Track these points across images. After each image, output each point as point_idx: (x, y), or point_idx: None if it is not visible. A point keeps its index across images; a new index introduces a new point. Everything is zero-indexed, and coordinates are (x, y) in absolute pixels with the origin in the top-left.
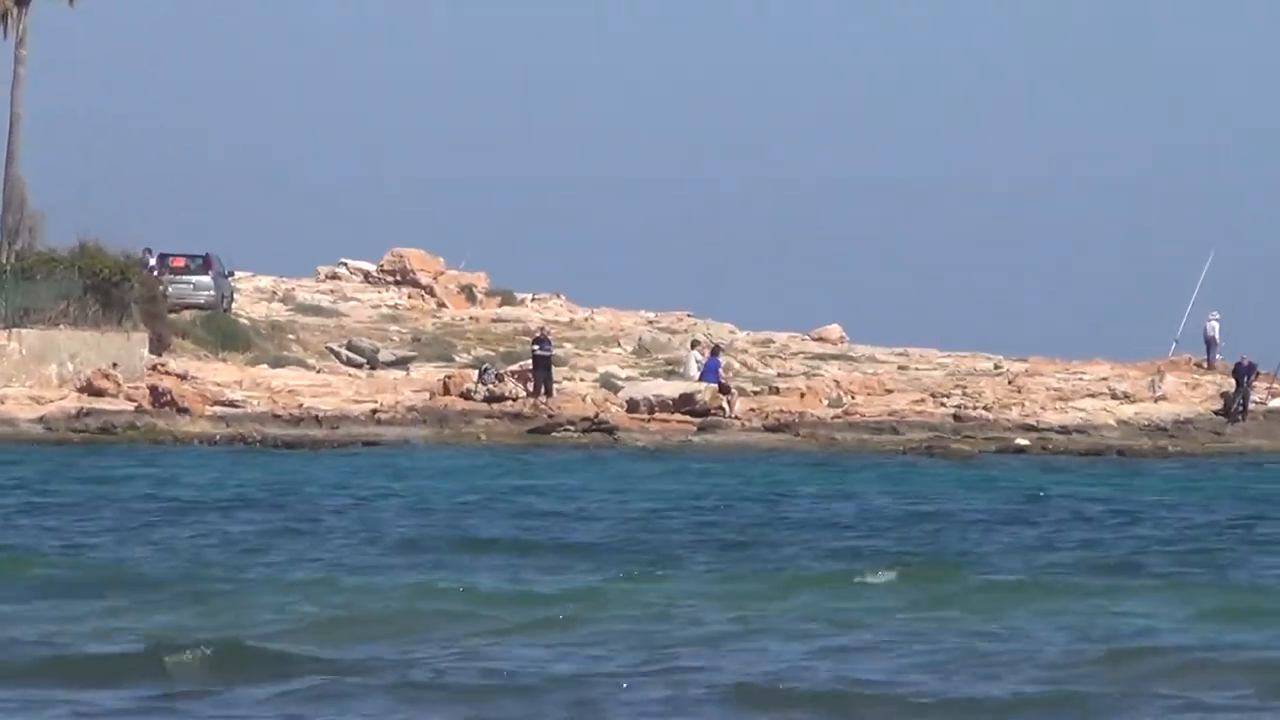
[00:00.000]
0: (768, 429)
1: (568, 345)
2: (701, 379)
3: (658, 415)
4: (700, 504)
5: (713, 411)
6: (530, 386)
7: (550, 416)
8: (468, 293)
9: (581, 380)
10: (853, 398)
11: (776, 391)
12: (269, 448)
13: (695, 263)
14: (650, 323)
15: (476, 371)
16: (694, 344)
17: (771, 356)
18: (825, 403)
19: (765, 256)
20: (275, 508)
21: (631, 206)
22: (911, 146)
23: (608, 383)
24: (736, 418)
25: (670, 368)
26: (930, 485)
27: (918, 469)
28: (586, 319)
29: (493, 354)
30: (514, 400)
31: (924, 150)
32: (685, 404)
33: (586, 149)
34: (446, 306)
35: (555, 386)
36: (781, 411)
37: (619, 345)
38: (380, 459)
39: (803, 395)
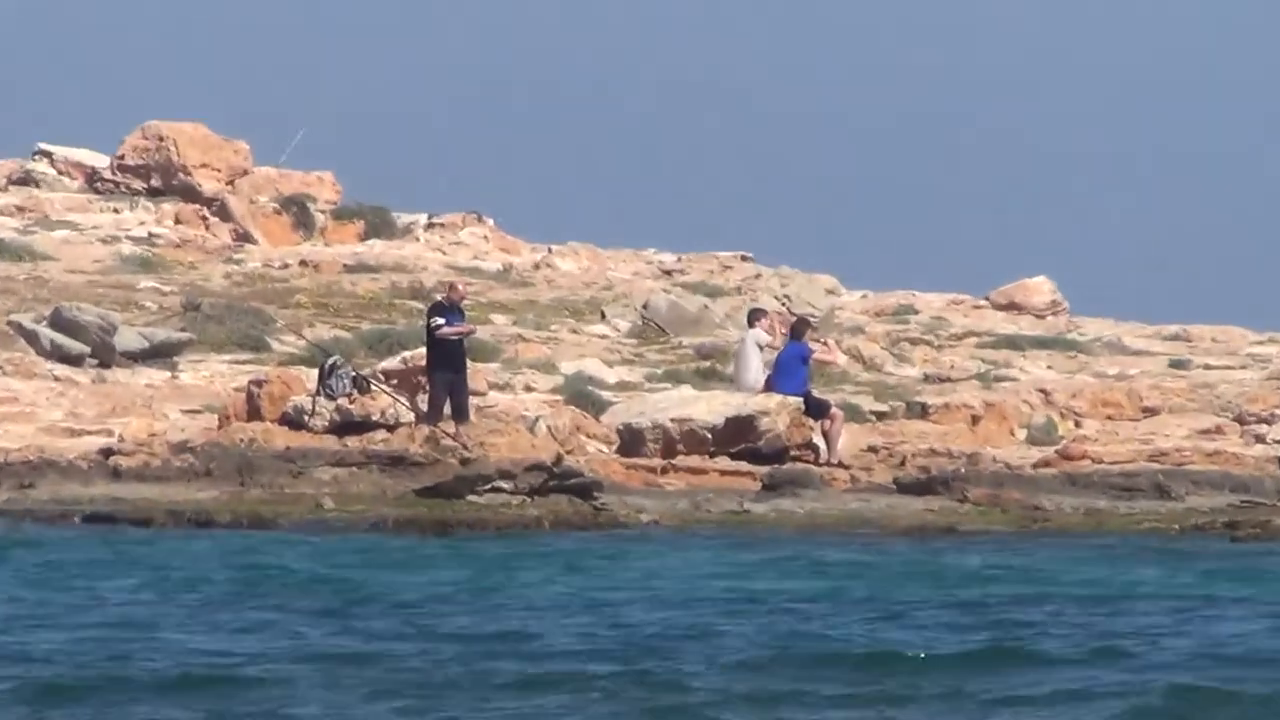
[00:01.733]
0: (903, 488)
1: (498, 319)
2: (771, 386)
3: (683, 460)
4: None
5: (792, 451)
6: (423, 402)
7: (464, 462)
8: (296, 215)
9: (529, 389)
10: (1076, 424)
11: (923, 412)
12: None
13: (750, 167)
14: (667, 273)
15: (316, 373)
16: (755, 315)
17: (911, 341)
18: (1021, 435)
19: (889, 156)
20: None
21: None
22: None
23: (581, 393)
24: (840, 463)
25: (706, 363)
26: None
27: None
28: (538, 266)
29: (347, 336)
30: (390, 429)
31: None
32: (737, 436)
33: None
34: (253, 240)
35: (475, 401)
36: (932, 453)
37: (603, 319)
38: (103, 556)
39: (975, 420)
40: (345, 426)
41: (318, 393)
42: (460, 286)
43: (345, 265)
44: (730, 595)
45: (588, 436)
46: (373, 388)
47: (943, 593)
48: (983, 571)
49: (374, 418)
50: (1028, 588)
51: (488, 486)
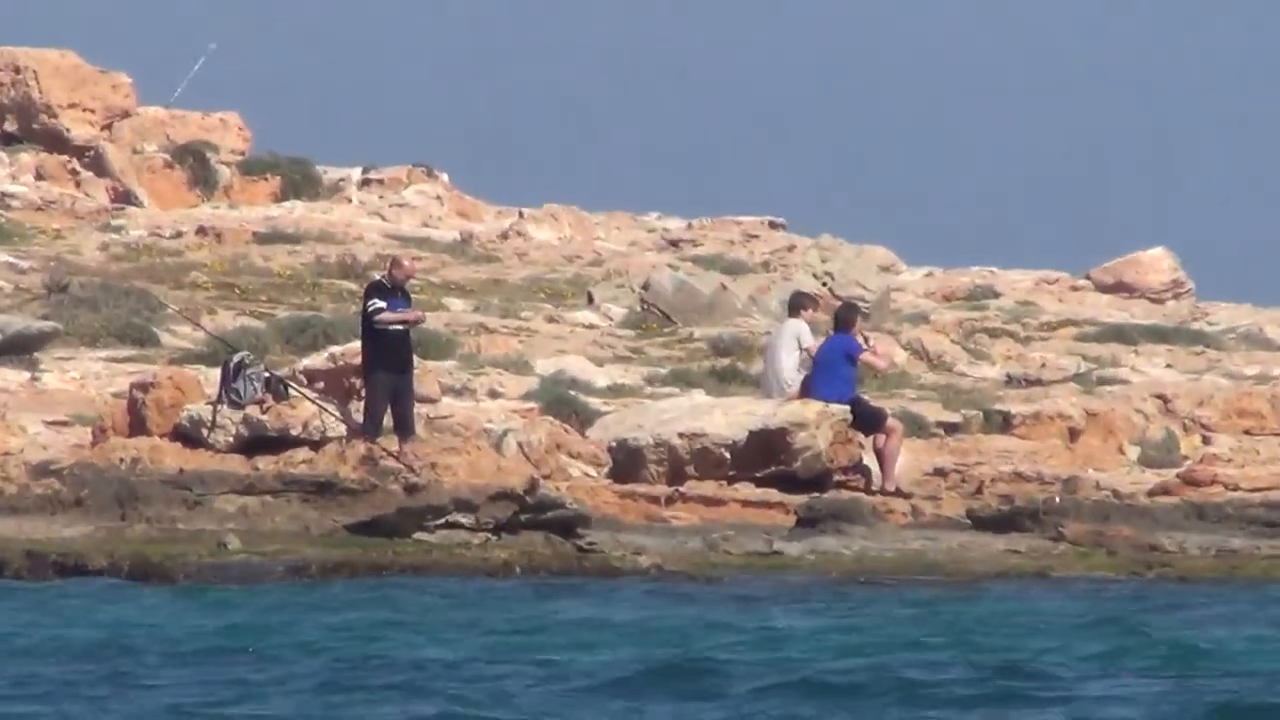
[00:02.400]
0: (978, 522)
1: (455, 304)
2: (809, 390)
3: (694, 487)
4: None
5: (836, 475)
6: (358, 411)
7: (410, 490)
8: (193, 169)
9: (495, 395)
10: (1204, 440)
11: (1005, 424)
12: None
13: (781, 108)
14: (673, 245)
15: (219, 374)
16: (800, 301)
17: (990, 332)
18: (1132, 454)
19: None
20: None
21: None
22: None
23: (562, 400)
24: (898, 491)
25: (724, 361)
26: None
27: None
28: (507, 235)
29: (259, 326)
30: (315, 447)
31: None
32: (765, 455)
33: None
34: (138, 202)
35: (424, 411)
36: (1017, 478)
37: (590, 303)
38: None
39: (1073, 435)
40: (256, 443)
41: (220, 399)
42: (406, 262)
43: (256, 234)
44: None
45: (570, 456)
46: (292, 393)
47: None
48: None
49: (294, 432)
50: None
51: (441, 521)
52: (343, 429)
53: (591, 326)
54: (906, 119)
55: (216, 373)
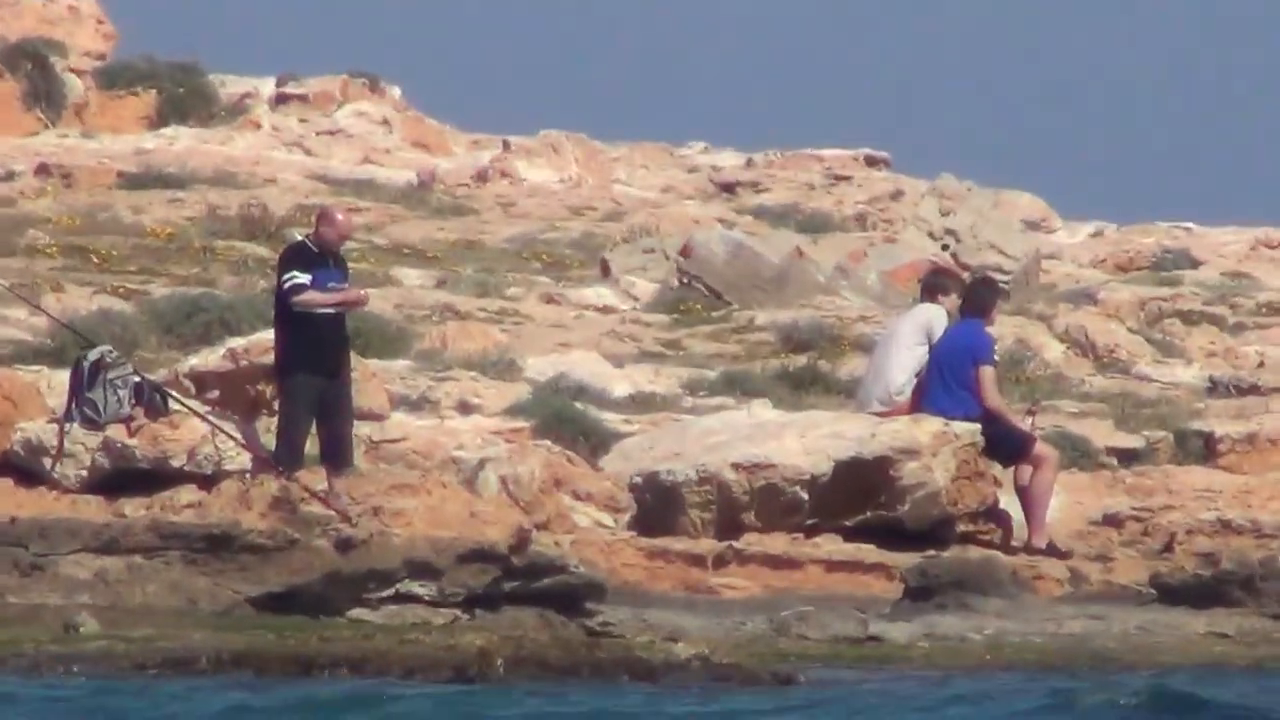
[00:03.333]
0: (1170, 593)
1: (410, 276)
2: (922, 402)
3: (756, 542)
4: None
5: (961, 525)
6: (269, 432)
7: (345, 545)
8: (31, 81)
9: (468, 408)
10: None
11: (1208, 450)
12: None
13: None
14: (726, 190)
15: (69, 378)
16: (940, 281)
17: (1185, 316)
18: None
19: None
20: None
21: None
22: None
23: (564, 416)
24: (1052, 548)
25: (800, 359)
26: None
27: None
28: (486, 177)
29: (126, 309)
30: (207, 485)
31: None
32: (859, 496)
33: None
34: None
35: (365, 432)
36: (1224, 528)
37: (606, 275)
38: None
39: None
40: (121, 479)
41: (70, 415)
42: (339, 216)
43: (123, 175)
44: None
45: (577, 498)
46: (173, 406)
47: None
48: None
49: (175, 463)
50: None
51: (389, 592)
52: (246, 458)
53: (607, 310)
54: (1053, 29)
55: (65, 377)
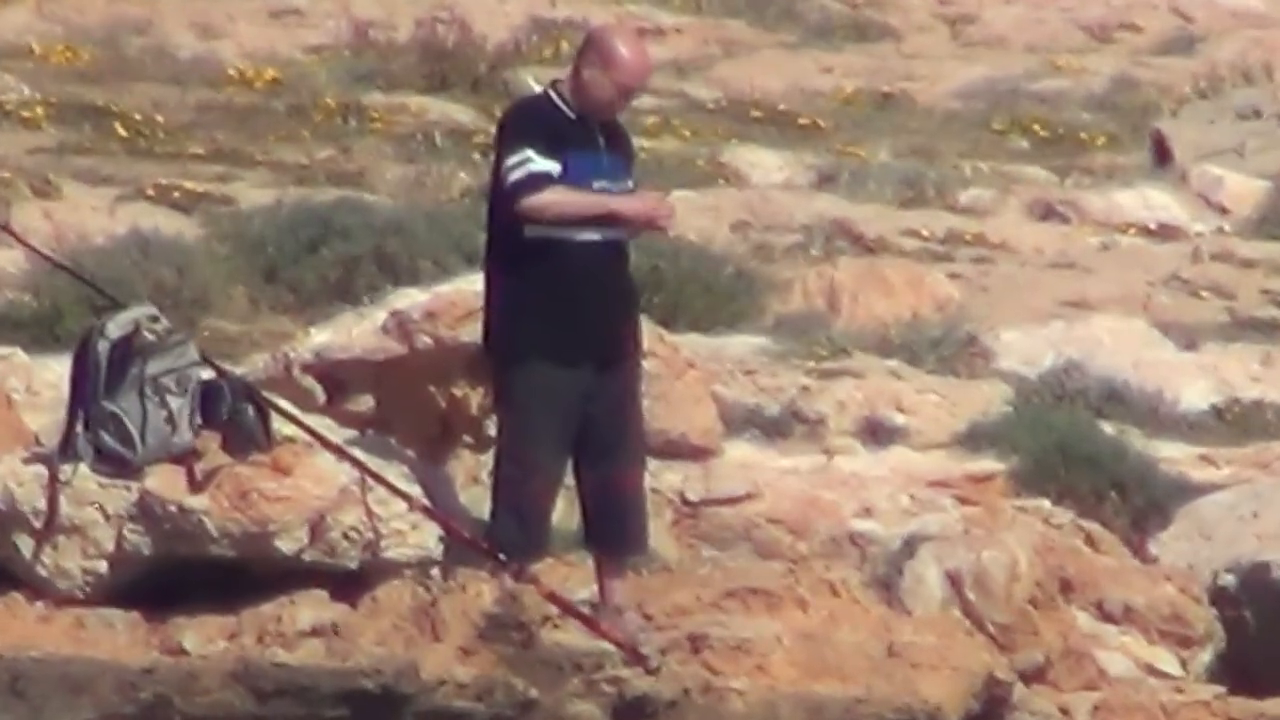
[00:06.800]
0: None
1: (762, 162)
2: None
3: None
4: None
5: None
6: (480, 480)
7: (639, 710)
8: None
9: (891, 424)
10: None
11: None
12: None
13: None
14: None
15: (71, 370)
16: None
17: None
18: None
19: None
20: None
21: None
22: None
23: (1085, 444)
24: None
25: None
26: None
27: None
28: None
29: (181, 241)
30: (359, 587)
31: None
32: None
33: None
34: None
35: (663, 493)
36: None
37: (1166, 160)
38: None
39: None
40: (175, 576)
41: (70, 446)
42: (624, 48)
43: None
44: None
45: (1104, 616)
46: (281, 428)
47: None
48: None
49: (284, 544)
50: None
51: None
52: (432, 535)
53: (1165, 232)
54: None
55: (61, 369)
